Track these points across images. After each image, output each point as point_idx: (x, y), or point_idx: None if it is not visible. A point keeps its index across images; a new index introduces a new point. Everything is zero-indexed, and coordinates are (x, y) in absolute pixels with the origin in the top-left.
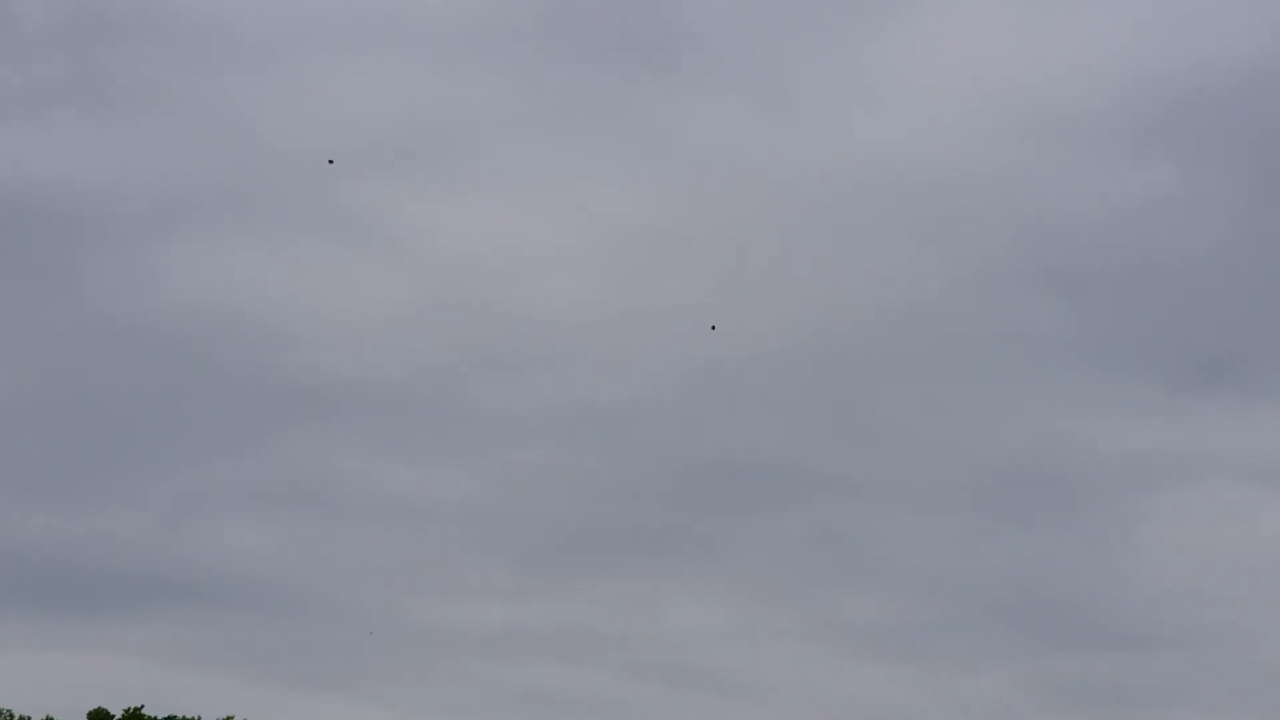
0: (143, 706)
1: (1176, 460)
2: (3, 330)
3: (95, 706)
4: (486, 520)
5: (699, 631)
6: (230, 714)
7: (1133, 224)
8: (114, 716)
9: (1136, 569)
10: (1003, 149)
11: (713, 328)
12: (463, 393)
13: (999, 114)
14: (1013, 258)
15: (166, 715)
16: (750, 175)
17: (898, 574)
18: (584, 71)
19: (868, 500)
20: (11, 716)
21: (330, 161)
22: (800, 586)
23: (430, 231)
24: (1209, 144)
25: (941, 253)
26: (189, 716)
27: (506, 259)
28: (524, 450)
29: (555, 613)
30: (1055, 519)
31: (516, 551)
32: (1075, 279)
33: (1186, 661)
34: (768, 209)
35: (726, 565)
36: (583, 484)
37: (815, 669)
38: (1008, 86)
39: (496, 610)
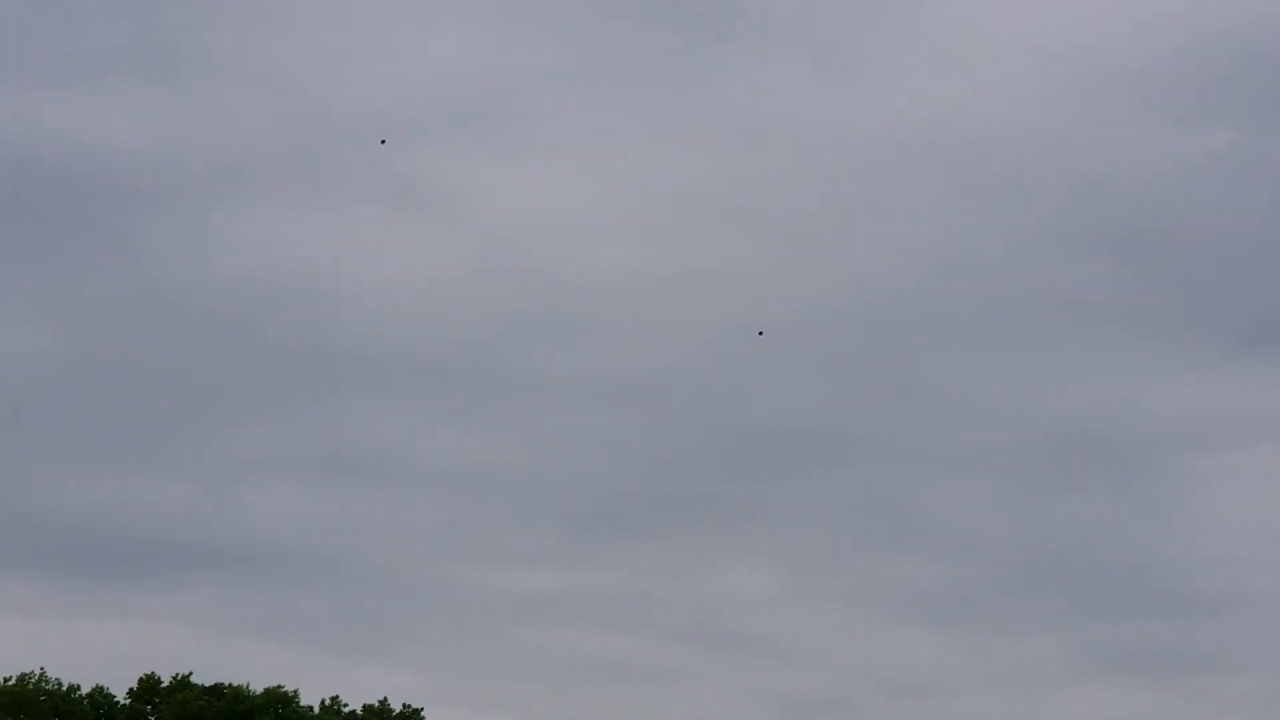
0: (191, 674)
1: (1230, 423)
2: (53, 296)
3: (144, 674)
4: (533, 486)
5: (745, 597)
6: (280, 683)
7: (1188, 184)
8: (163, 684)
9: (1189, 533)
10: (1058, 109)
11: (760, 333)
12: (512, 359)
13: (1055, 73)
14: (1066, 219)
15: (214, 683)
16: (806, 138)
17: (946, 539)
18: (638, 35)
19: (916, 465)
20: (60, 685)
21: (383, 141)
22: (847, 552)
23: (482, 197)
24: (1266, 104)
25: (995, 214)
26: (237, 684)
27: (558, 224)
28: (571, 416)
29: (601, 579)
30: (1107, 483)
31: (563, 517)
32: (1129, 240)
33: (1239, 626)
34: (822, 171)
35: (773, 531)
36: (629, 449)
37: (862, 635)
38: (1065, 45)
39: (543, 576)
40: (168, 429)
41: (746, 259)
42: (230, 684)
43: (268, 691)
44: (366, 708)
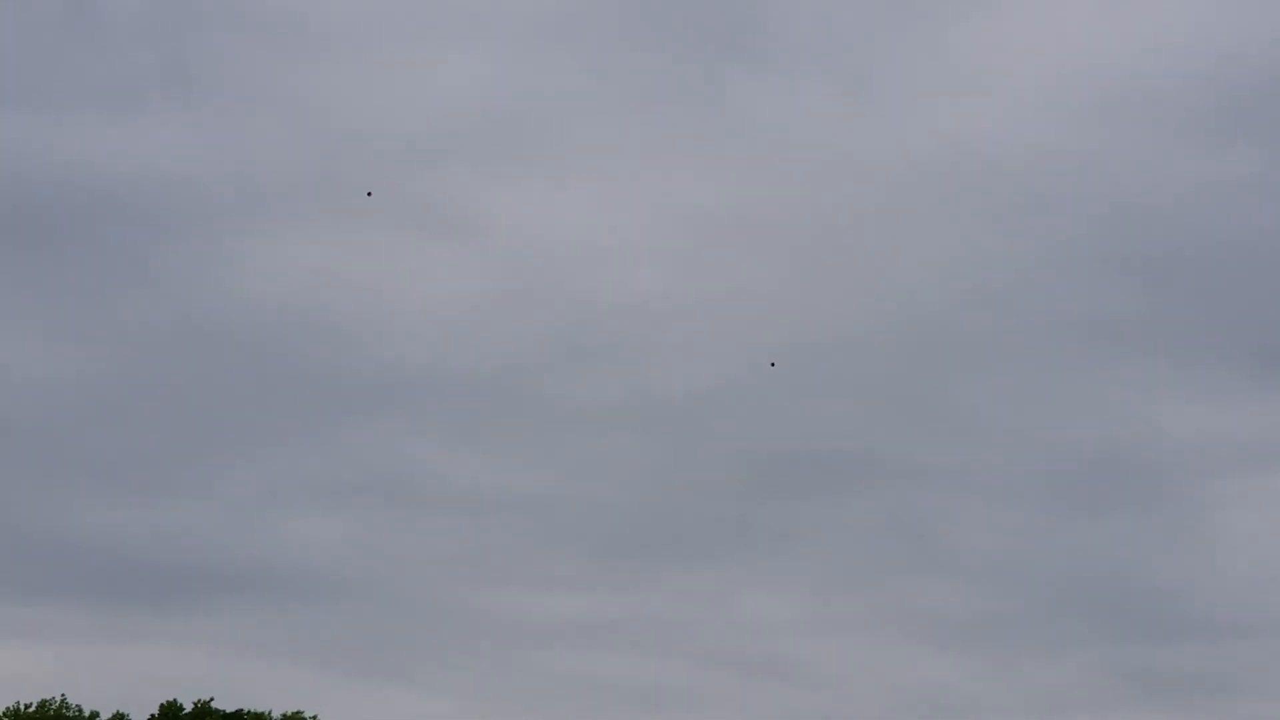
0: (213, 700)
1: (1255, 447)
2: (80, 322)
3: (166, 700)
4: (560, 510)
5: (772, 621)
6: (299, 709)
7: (1213, 207)
8: (184, 710)
9: (1214, 557)
10: (1082, 132)
11: (772, 364)
12: (539, 383)
13: (1079, 97)
14: (1090, 242)
15: (235, 709)
16: (832, 162)
17: (971, 563)
18: (665, 59)
19: (942, 488)
20: (80, 711)
21: (369, 194)
22: (873, 575)
23: (509, 221)
24: None
25: (1019, 237)
26: (258, 711)
27: (584, 248)
28: (599, 439)
29: (627, 602)
30: (1131, 506)
31: (588, 541)
32: (1153, 263)
33: (1265, 650)
34: (849, 195)
35: (800, 554)
36: (657, 473)
37: (888, 658)
38: (1088, 69)
39: (568, 600)
40: (192, 454)
41: (772, 283)
42: (251, 710)
43: (287, 718)
44: None
